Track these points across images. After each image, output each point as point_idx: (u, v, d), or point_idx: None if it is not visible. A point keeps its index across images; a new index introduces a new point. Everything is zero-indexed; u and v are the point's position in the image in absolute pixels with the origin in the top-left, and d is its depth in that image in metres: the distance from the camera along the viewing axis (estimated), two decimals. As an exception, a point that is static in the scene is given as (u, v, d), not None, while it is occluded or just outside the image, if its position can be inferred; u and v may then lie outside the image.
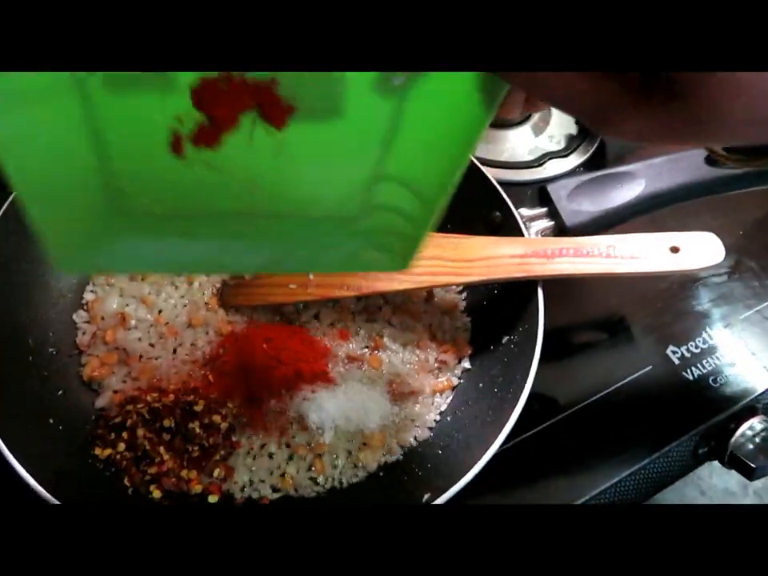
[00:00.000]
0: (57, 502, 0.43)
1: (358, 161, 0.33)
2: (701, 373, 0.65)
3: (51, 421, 0.52)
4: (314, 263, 0.41)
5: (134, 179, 0.32)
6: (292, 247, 0.38)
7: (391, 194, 0.34)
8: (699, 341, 0.67)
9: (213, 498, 0.51)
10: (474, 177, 0.63)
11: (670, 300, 0.71)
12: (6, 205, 0.56)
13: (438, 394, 0.59)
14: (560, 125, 0.85)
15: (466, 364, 0.61)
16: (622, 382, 0.63)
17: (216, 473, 0.52)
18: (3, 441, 0.45)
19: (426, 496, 0.47)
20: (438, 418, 0.58)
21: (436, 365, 0.60)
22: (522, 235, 0.59)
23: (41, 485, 0.43)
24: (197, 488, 0.52)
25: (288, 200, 0.35)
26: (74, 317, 0.60)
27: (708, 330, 0.69)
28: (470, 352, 0.61)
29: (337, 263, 0.41)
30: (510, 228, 0.60)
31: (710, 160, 0.58)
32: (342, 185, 0.34)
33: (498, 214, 0.61)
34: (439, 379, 0.60)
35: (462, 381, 0.60)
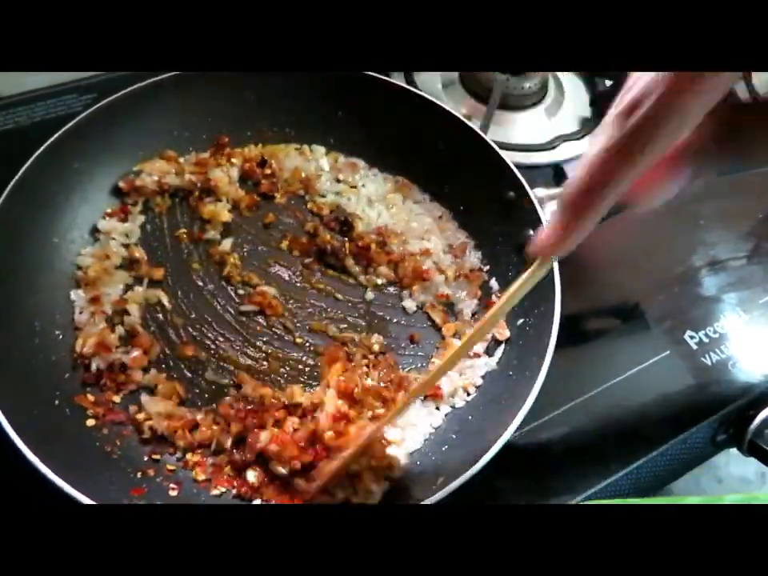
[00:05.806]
0: (62, 483, 0.42)
1: None
2: (719, 358, 0.63)
3: (57, 403, 0.51)
4: None
5: None
6: None
7: None
8: (717, 326, 0.66)
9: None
10: (487, 157, 0.62)
11: (686, 285, 0.69)
12: (6, 192, 0.54)
13: (451, 377, 0.57)
14: (573, 107, 0.83)
15: (479, 347, 0.59)
16: (639, 367, 0.61)
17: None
18: (10, 423, 0.44)
19: (440, 480, 0.46)
20: (451, 401, 0.57)
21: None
22: (537, 215, 0.57)
23: (47, 466, 0.42)
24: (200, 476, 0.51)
25: None
26: (72, 294, 0.59)
27: (726, 314, 0.67)
28: (483, 335, 0.60)
29: None
30: (523, 207, 0.59)
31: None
32: None
33: (511, 193, 0.60)
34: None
35: (475, 364, 0.59)
